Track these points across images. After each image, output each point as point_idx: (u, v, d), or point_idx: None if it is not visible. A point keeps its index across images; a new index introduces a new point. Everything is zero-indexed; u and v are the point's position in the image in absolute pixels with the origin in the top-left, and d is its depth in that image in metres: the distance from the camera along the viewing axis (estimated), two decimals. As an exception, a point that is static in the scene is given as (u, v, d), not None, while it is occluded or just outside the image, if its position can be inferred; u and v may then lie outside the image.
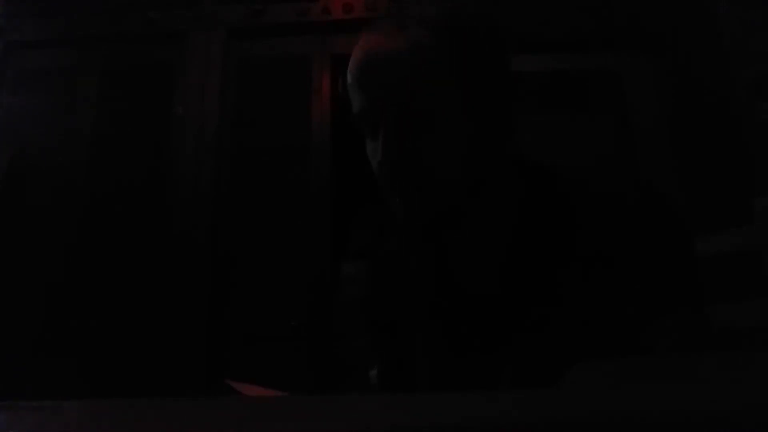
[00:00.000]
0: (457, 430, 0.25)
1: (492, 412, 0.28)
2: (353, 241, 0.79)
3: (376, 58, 0.60)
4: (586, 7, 2.37)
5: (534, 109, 2.27)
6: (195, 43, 2.42)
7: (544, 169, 0.66)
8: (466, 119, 0.59)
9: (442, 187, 0.59)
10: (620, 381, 0.30)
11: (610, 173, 0.66)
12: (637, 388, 0.29)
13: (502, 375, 0.61)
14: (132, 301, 2.13)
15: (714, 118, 2.12)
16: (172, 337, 2.06)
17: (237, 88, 2.40)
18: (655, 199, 0.61)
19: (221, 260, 2.19)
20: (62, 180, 2.29)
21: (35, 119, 2.37)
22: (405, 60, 0.59)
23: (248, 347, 2.09)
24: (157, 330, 2.07)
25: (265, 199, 2.26)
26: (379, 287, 0.73)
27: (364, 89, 0.61)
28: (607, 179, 0.64)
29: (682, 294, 0.57)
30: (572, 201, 0.62)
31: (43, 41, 2.47)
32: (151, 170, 2.31)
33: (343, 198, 2.21)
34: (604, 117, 2.33)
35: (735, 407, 0.26)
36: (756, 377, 0.29)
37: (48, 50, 2.48)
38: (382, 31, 0.61)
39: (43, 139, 2.34)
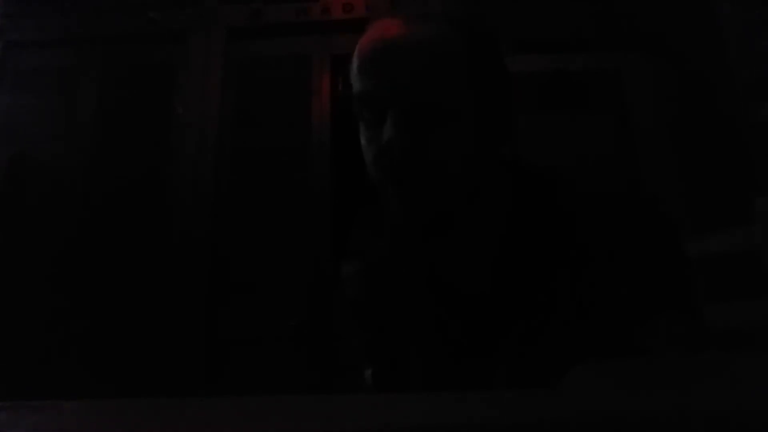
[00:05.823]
0: (457, 430, 0.25)
1: (491, 412, 0.28)
2: (352, 241, 0.79)
3: (398, 43, 0.58)
4: (586, 7, 2.37)
5: (534, 109, 2.27)
6: (195, 43, 2.42)
7: (538, 170, 0.66)
8: (474, 118, 0.59)
9: (443, 184, 0.59)
10: (619, 382, 0.30)
11: (600, 174, 0.66)
12: (635, 388, 0.29)
13: (495, 376, 0.61)
14: (132, 301, 2.13)
15: (714, 117, 2.12)
16: (172, 336, 2.06)
17: (237, 88, 2.40)
18: (644, 201, 0.61)
19: (221, 260, 2.19)
20: (62, 180, 2.29)
21: (35, 119, 2.37)
22: (427, 49, 0.58)
23: (248, 347, 2.09)
24: (157, 330, 2.07)
25: (265, 199, 2.26)
26: (376, 287, 0.73)
27: (378, 72, 0.59)
28: (597, 180, 0.64)
29: (674, 295, 0.57)
30: (565, 202, 0.62)
31: (43, 41, 2.47)
32: (151, 170, 2.31)
33: (342, 198, 2.21)
34: (604, 116, 2.33)
35: (734, 407, 0.26)
36: (756, 377, 0.29)
37: (48, 50, 2.47)
38: (402, 18, 0.60)
39: (43, 139, 2.34)
